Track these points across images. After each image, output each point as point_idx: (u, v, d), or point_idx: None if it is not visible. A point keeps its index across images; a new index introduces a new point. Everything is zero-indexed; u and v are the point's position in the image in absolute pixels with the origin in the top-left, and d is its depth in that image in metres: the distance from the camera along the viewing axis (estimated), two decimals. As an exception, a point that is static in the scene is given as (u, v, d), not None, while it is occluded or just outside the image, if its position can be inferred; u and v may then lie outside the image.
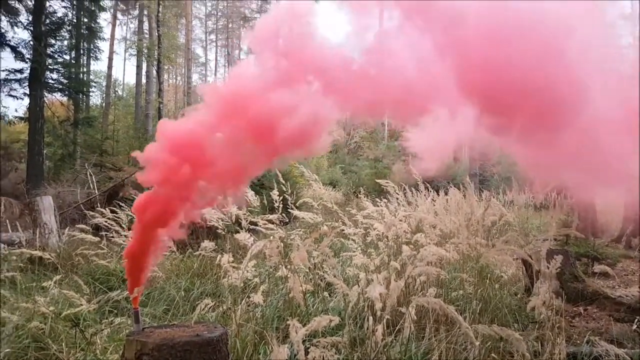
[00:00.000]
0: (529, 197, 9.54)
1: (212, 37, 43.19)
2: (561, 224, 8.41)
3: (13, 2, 14.03)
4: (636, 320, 3.78)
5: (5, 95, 14.40)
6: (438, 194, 7.35)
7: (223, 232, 4.35)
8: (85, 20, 17.10)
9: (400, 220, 4.35)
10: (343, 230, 4.78)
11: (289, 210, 4.60)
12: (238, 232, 3.92)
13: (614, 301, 4.27)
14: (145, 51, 20.79)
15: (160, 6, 18.51)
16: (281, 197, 4.39)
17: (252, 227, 4.32)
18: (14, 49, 13.68)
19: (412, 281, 3.75)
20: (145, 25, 23.12)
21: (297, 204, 5.22)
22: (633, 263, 7.12)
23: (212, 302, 3.01)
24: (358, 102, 2.24)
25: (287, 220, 4.37)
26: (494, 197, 9.85)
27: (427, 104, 2.11)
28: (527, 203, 9.59)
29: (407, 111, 2.31)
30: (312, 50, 2.17)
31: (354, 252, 4.17)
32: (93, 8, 16.60)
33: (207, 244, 3.61)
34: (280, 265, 3.63)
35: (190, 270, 4.86)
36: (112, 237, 5.54)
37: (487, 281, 4.15)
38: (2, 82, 13.89)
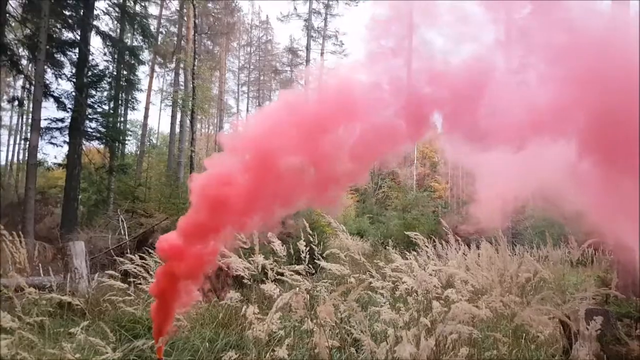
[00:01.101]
0: (564, 252, 9.17)
1: (244, 88, 44.84)
2: (600, 281, 8.02)
3: (58, 55, 15.04)
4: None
5: (46, 142, 15.16)
6: (469, 248, 7.16)
7: (249, 282, 4.32)
8: (125, 72, 18.07)
9: (430, 275, 4.24)
10: (371, 283, 4.68)
11: (315, 260, 4.55)
12: (264, 282, 3.89)
13: (663, 367, 3.96)
14: (180, 102, 21.70)
15: (196, 60, 19.45)
16: (308, 248, 4.36)
17: (278, 277, 4.28)
18: (57, 100, 14.53)
19: (443, 339, 3.59)
20: (181, 78, 24.23)
21: (324, 254, 5.17)
22: (680, 326, 6.66)
23: (236, 354, 2.95)
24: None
25: (314, 271, 4.31)
26: (527, 252, 9.55)
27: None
28: (563, 259, 9.21)
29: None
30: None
31: (382, 306, 4.05)
32: (133, 62, 17.59)
33: (233, 294, 3.57)
34: (306, 319, 3.56)
35: (215, 320, 4.80)
36: (140, 284, 5.58)
37: (523, 341, 3.95)
38: (44, 130, 14.64)
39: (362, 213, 30.59)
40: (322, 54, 31.67)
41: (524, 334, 4.08)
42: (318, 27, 31.43)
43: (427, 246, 5.78)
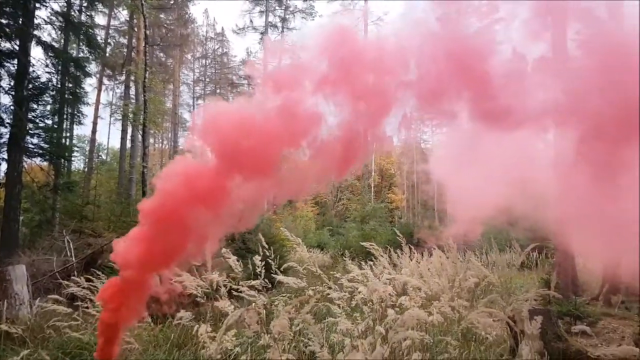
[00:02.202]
0: (510, 257, 9.60)
1: (200, 102, 44.18)
2: (543, 283, 8.44)
3: (-6, 66, 14.23)
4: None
5: (-18, 160, 14.24)
6: (422, 256, 7.37)
7: (202, 300, 4.24)
8: (70, 85, 17.34)
9: (385, 283, 4.33)
10: (329, 294, 4.72)
11: (272, 275, 4.54)
12: (225, 299, 3.84)
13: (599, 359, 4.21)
14: (131, 116, 21.07)
15: (148, 72, 19.03)
16: (263, 262, 4.35)
17: (237, 293, 4.22)
18: (-6, 114, 13.69)
19: (398, 346, 3.67)
20: (132, 91, 23.59)
21: (283, 268, 5.17)
22: (614, 321, 7.10)
23: (190, 375, 2.89)
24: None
25: (270, 286, 4.29)
26: (476, 258, 9.92)
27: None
28: (510, 263, 9.64)
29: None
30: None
31: (339, 317, 4.09)
32: (78, 74, 16.92)
33: (184, 314, 3.51)
34: (263, 334, 3.54)
35: (168, 341, 4.67)
36: (87, 307, 5.34)
37: (473, 343, 4.09)
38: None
39: (322, 226, 30.74)
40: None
41: (474, 336, 4.23)
42: (275, 41, 31.54)
43: (382, 256, 5.90)
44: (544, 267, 10.85)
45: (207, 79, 42.88)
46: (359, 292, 4.41)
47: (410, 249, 6.87)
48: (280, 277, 4.17)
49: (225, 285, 4.07)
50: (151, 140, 36.61)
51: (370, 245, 5.51)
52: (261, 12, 31.12)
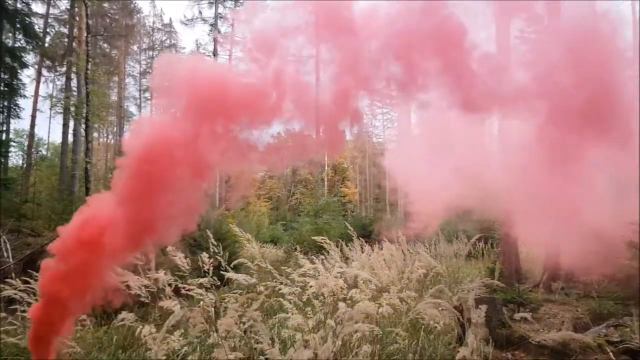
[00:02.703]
0: (458, 247, 9.93)
1: (148, 94, 42.66)
2: (489, 272, 8.79)
3: None
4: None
5: None
6: (373, 249, 7.47)
7: (147, 300, 4.08)
8: (5, 76, 16.27)
9: (336, 277, 4.34)
10: (280, 289, 4.68)
11: (221, 272, 4.44)
12: (170, 298, 3.72)
13: (538, 345, 4.43)
14: (73, 109, 20.04)
15: (90, 63, 18.15)
16: (211, 260, 4.24)
17: (186, 292, 4.10)
18: None
19: (349, 338, 3.70)
20: (74, 83, 22.43)
21: (233, 265, 5.07)
22: (554, 306, 7.51)
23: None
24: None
25: (219, 283, 4.19)
26: (426, 249, 10.20)
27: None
28: (458, 253, 9.97)
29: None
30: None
31: (289, 312, 4.07)
32: (14, 64, 15.91)
33: (126, 315, 3.37)
34: (212, 332, 3.46)
35: (112, 344, 4.49)
36: (24, 311, 5.03)
37: (421, 333, 4.19)
38: None
39: (275, 220, 30.64)
40: (229, 59, 31.18)
41: (423, 326, 4.33)
42: (225, 33, 30.86)
43: (333, 250, 5.93)
44: (489, 257, 11.31)
45: (155, 72, 41.41)
46: (310, 287, 4.40)
47: (361, 242, 6.95)
48: (229, 274, 4.08)
49: (170, 284, 3.94)
50: (95, 135, 35.00)
51: (322, 239, 5.51)
52: (210, 3, 30.32)
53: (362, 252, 7.14)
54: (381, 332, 3.60)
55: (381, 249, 7.42)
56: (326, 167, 35.48)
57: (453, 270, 8.03)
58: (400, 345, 3.61)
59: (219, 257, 4.48)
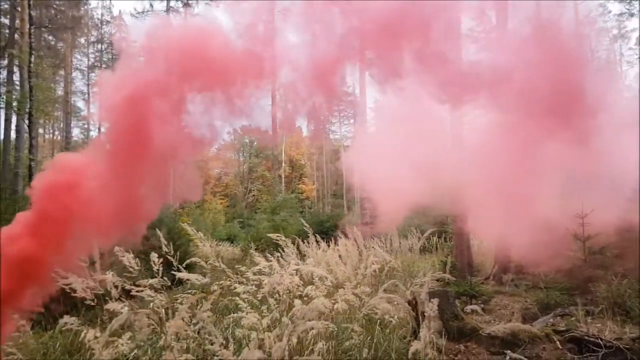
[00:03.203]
0: (413, 242, 10.14)
1: (96, 89, 40.90)
2: (443, 265, 9.02)
3: None
4: (507, 354, 4.10)
5: None
6: (329, 245, 7.48)
7: (92, 303, 3.89)
8: (-60, 70, 15.19)
9: (291, 275, 4.30)
10: (235, 288, 4.59)
11: (172, 272, 4.30)
12: (121, 300, 3.56)
13: (489, 336, 4.56)
14: (15, 104, 18.95)
15: (33, 56, 17.22)
16: (161, 260, 4.09)
17: (137, 293, 3.93)
18: None
19: (305, 336, 3.67)
20: (17, 76, 21.22)
21: (186, 265, 4.92)
22: (505, 298, 7.79)
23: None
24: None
25: (170, 284, 4.05)
26: (382, 244, 10.34)
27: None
28: (412, 248, 10.17)
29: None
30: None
31: (243, 311, 3.99)
32: (-51, 57, 14.86)
33: (69, 319, 3.19)
34: (163, 335, 3.33)
35: (57, 349, 4.25)
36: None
37: (377, 328, 4.22)
38: None
39: (232, 218, 30.25)
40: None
41: (378, 321, 4.37)
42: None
43: (288, 246, 5.88)
44: (443, 251, 11.61)
45: (104, 65, 39.84)
46: (265, 285, 4.35)
47: (316, 238, 6.93)
48: (180, 274, 3.95)
49: (117, 286, 3.77)
50: (40, 131, 33.33)
51: (278, 236, 5.46)
52: (162, -6, 29.46)
53: (319, 249, 7.13)
54: (336, 329, 3.59)
55: (336, 244, 7.44)
56: (283, 164, 35.35)
57: (408, 264, 8.18)
58: (355, 340, 3.61)
59: (169, 257, 4.34)
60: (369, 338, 3.87)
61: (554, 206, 7.93)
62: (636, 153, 9.93)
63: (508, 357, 4.25)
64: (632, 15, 27.61)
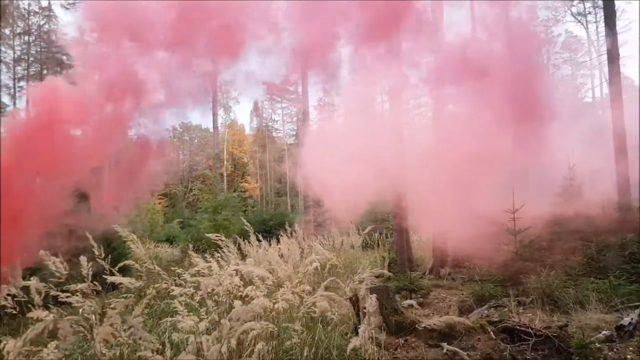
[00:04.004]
0: (353, 239, 10.30)
1: (22, 83, 38.18)
2: (383, 261, 9.23)
3: None
4: (443, 346, 4.24)
5: None
6: (270, 244, 7.41)
7: (15, 311, 3.60)
8: None
9: (230, 275, 4.21)
10: (172, 291, 4.42)
11: (103, 276, 4.05)
12: (47, 307, 3.31)
13: (428, 329, 4.70)
14: None
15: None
16: (90, 264, 3.84)
17: (65, 299, 3.67)
18: None
19: (245, 337, 3.60)
20: None
21: (119, 268, 4.66)
22: (443, 291, 8.07)
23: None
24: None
25: (100, 289, 3.82)
26: (325, 241, 10.42)
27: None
28: (353, 245, 10.32)
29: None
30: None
31: (181, 314, 3.85)
32: None
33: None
34: (93, 342, 3.14)
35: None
36: None
37: (318, 325, 4.22)
38: None
39: (172, 218, 29.33)
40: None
41: (320, 319, 4.37)
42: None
43: (227, 246, 5.75)
44: (384, 247, 11.87)
45: (31, 58, 37.23)
46: (203, 286, 4.22)
47: (258, 238, 6.84)
48: (112, 278, 3.73)
49: (40, 292, 3.51)
50: (-42, 127, 30.61)
51: (217, 236, 5.32)
52: (97, -15, 27.99)
53: (260, 248, 7.04)
54: (276, 329, 3.55)
55: (278, 243, 7.39)
56: (225, 162, 34.69)
57: (350, 261, 8.27)
58: (296, 340, 3.59)
59: (99, 260, 4.08)
60: (310, 337, 3.86)
61: (492, 202, 8.34)
62: (565, 153, 10.70)
63: (445, 350, 4.38)
64: (558, 21, 29.70)
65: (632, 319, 4.88)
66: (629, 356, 4.25)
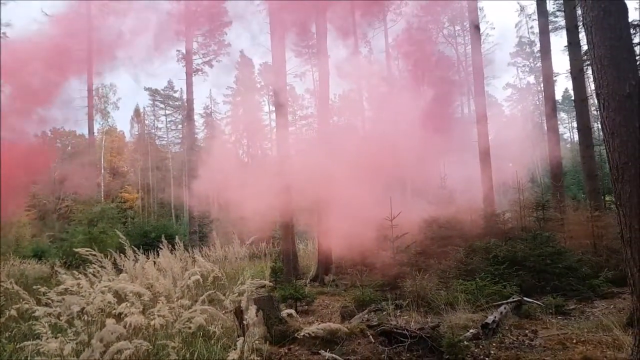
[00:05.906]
0: (240, 249, 10.19)
1: None
2: (270, 271, 9.27)
3: None
4: (321, 353, 4.35)
5: None
6: (148, 257, 7.01)
7: None
8: None
9: (102, 292, 3.89)
10: (35, 312, 3.96)
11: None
12: None
13: (311, 337, 4.77)
14: None
15: None
16: None
17: None
18: None
19: (119, 357, 3.35)
20: None
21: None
22: (327, 298, 8.32)
23: None
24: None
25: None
26: (209, 252, 10.15)
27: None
28: (241, 255, 10.20)
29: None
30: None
31: (42, 337, 3.46)
32: None
33: None
34: None
35: None
36: None
37: (200, 340, 4.09)
38: None
39: (41, 232, 26.42)
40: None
41: (202, 333, 4.23)
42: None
43: (99, 261, 5.33)
44: (271, 257, 11.92)
45: None
46: (68, 306, 3.86)
47: (135, 251, 6.43)
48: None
49: None
50: None
51: (88, 251, 4.90)
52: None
53: (137, 262, 6.61)
54: (151, 347, 3.37)
55: (158, 256, 7.02)
56: (102, 171, 32.10)
57: (236, 272, 8.14)
58: (173, 357, 3.43)
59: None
60: (190, 352, 3.72)
61: (374, 210, 8.82)
62: (438, 165, 11.81)
63: (327, 357, 4.44)
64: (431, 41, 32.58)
65: (495, 317, 5.38)
66: (492, 351, 4.65)
